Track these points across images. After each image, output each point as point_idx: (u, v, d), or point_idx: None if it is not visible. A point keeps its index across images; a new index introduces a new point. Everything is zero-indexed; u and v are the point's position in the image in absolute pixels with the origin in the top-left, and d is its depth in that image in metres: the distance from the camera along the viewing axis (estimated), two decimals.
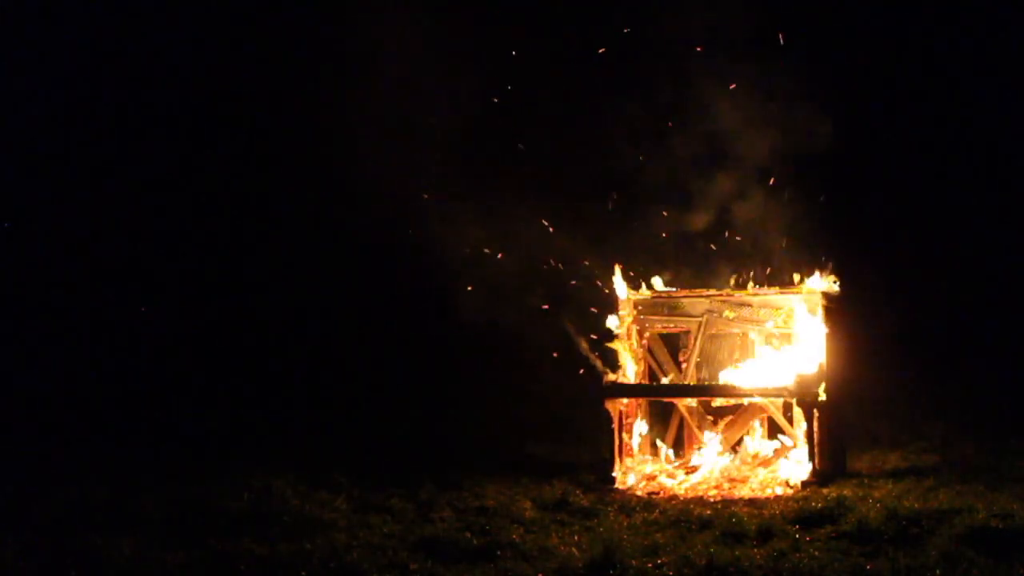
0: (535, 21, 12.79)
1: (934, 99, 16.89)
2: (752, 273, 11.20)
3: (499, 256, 12.01)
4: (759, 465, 10.66)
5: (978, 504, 8.44)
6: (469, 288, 13.31)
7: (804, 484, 9.88)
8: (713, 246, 11.67)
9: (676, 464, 10.89)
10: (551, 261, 12.23)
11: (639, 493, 10.04)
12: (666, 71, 12.27)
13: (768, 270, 11.31)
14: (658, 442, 11.18)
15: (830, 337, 10.26)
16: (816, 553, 7.58)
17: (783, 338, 10.79)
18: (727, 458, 10.78)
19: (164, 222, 16.63)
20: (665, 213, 11.97)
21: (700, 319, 10.91)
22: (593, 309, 11.12)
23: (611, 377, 10.66)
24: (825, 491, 9.47)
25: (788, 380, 10.19)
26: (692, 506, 9.26)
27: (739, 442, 11.02)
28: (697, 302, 10.94)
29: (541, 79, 12.54)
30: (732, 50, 11.96)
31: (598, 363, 10.67)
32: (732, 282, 11.04)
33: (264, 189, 16.72)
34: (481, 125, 13.10)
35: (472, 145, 13.10)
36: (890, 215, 16.58)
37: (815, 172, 12.17)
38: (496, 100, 12.42)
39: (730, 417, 10.93)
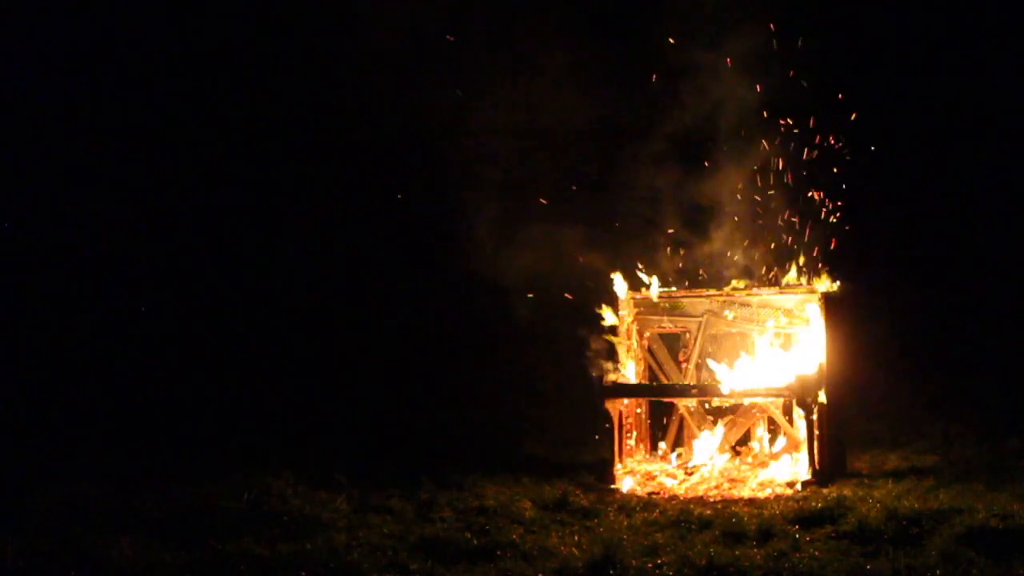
0: (540, 25, 12.79)
1: (935, 99, 16.89)
2: (752, 273, 11.21)
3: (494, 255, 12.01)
4: (759, 465, 10.66)
5: (978, 504, 8.43)
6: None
7: (804, 484, 9.87)
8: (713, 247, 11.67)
9: (676, 464, 10.90)
10: (552, 261, 12.23)
11: (639, 493, 10.04)
12: (667, 71, 12.27)
13: (768, 271, 11.32)
14: (658, 442, 11.19)
15: (830, 337, 10.26)
16: (816, 553, 7.58)
17: (783, 338, 10.79)
18: (727, 458, 10.79)
19: (165, 223, 16.62)
20: (666, 213, 11.97)
21: (700, 319, 10.92)
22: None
23: (611, 377, 10.66)
24: (825, 491, 9.47)
25: (788, 380, 10.19)
26: (692, 506, 9.25)
27: (739, 442, 11.03)
28: (697, 302, 10.94)
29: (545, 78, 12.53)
30: (733, 51, 11.96)
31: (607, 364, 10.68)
32: (732, 282, 11.05)
33: (263, 190, 16.72)
34: (481, 125, 13.10)
35: (471, 145, 13.10)
36: (890, 215, 16.57)
37: (816, 172, 12.16)
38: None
39: (730, 417, 10.94)
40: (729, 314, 10.86)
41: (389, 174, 15.65)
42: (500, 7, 12.63)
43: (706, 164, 11.84)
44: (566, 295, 12.00)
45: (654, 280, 11.00)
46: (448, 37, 12.29)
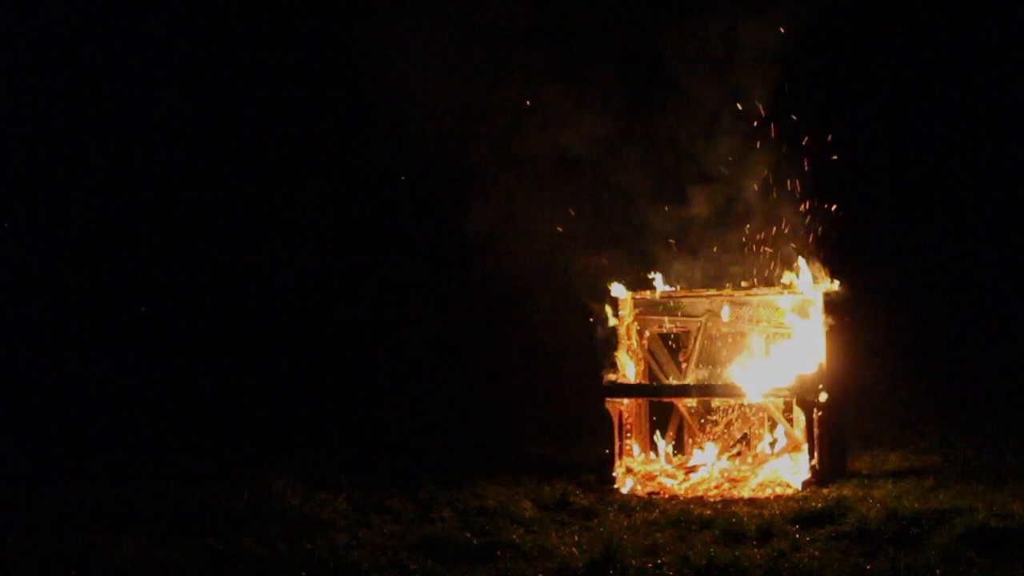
0: (546, 27, 12.78)
1: (935, 98, 16.90)
2: (752, 273, 11.21)
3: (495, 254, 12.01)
4: (759, 465, 10.66)
5: (978, 504, 8.43)
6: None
7: (804, 484, 9.87)
8: (713, 248, 11.66)
9: (676, 464, 10.89)
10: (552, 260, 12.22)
11: (639, 493, 10.04)
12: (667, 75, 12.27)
13: (768, 270, 11.31)
14: (658, 442, 11.18)
15: (830, 337, 10.25)
16: (816, 553, 7.58)
17: (783, 338, 10.78)
18: (727, 458, 10.79)
19: (165, 222, 16.62)
20: (667, 209, 11.95)
21: (700, 319, 10.91)
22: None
23: (611, 377, 10.65)
24: (825, 491, 9.47)
25: (788, 380, 10.18)
26: (692, 506, 9.25)
27: (739, 442, 11.02)
28: (697, 302, 10.93)
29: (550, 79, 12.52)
30: (732, 50, 11.95)
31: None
32: (732, 282, 11.04)
33: (263, 189, 16.72)
34: (481, 123, 13.09)
35: (472, 144, 13.09)
36: (891, 215, 16.58)
37: (816, 172, 12.17)
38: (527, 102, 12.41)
39: (730, 417, 10.94)
40: (729, 314, 10.85)
41: (391, 174, 15.65)
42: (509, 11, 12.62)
43: (706, 164, 11.83)
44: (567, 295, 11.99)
45: (655, 279, 10.97)
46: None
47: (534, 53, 12.38)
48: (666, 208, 11.90)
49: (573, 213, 12.65)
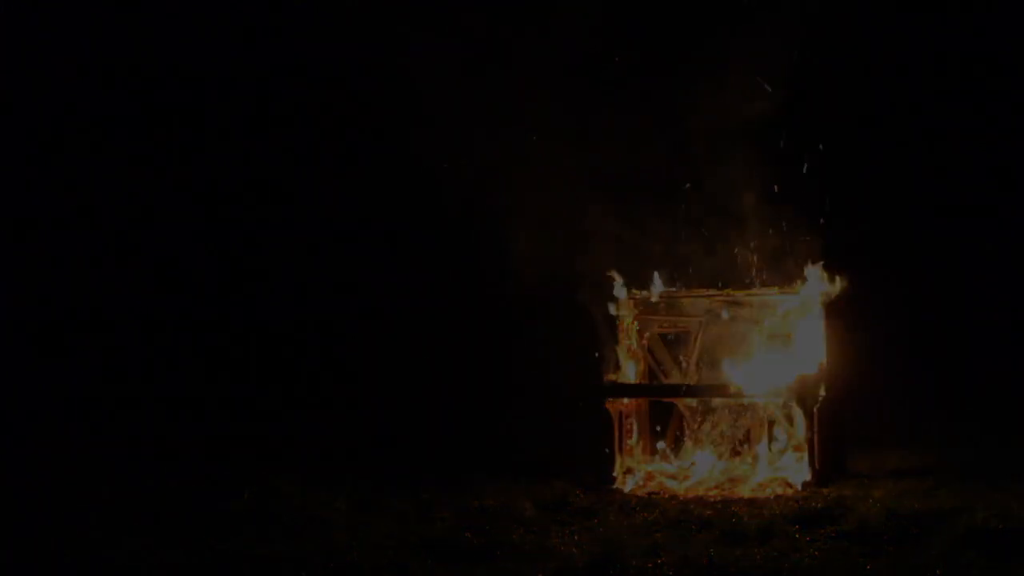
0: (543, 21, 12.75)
1: (935, 97, 16.88)
2: (753, 273, 11.21)
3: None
4: (759, 465, 10.66)
5: (978, 504, 8.43)
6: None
7: (804, 484, 9.87)
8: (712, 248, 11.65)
9: (676, 464, 10.90)
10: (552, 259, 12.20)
11: (639, 493, 10.04)
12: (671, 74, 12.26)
13: (768, 270, 11.31)
14: (658, 442, 11.18)
15: (830, 337, 10.26)
16: (816, 553, 7.58)
17: (783, 338, 10.78)
18: (727, 458, 10.79)
19: (165, 220, 16.61)
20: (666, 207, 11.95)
21: (700, 319, 10.92)
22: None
23: (611, 377, 10.65)
24: (825, 491, 9.47)
25: (788, 380, 10.19)
26: (692, 506, 9.26)
27: (740, 442, 11.03)
28: (697, 302, 10.94)
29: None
30: (732, 45, 11.94)
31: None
32: (732, 282, 11.04)
33: (263, 187, 16.71)
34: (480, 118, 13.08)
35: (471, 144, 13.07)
36: (891, 214, 16.57)
37: (816, 171, 12.16)
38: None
39: (731, 417, 10.94)
40: (729, 314, 10.85)
41: (391, 173, 15.64)
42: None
43: (706, 163, 11.82)
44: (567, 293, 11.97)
45: (654, 279, 10.97)
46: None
47: (544, 68, 12.37)
48: (667, 208, 11.90)
49: (574, 213, 12.64)
